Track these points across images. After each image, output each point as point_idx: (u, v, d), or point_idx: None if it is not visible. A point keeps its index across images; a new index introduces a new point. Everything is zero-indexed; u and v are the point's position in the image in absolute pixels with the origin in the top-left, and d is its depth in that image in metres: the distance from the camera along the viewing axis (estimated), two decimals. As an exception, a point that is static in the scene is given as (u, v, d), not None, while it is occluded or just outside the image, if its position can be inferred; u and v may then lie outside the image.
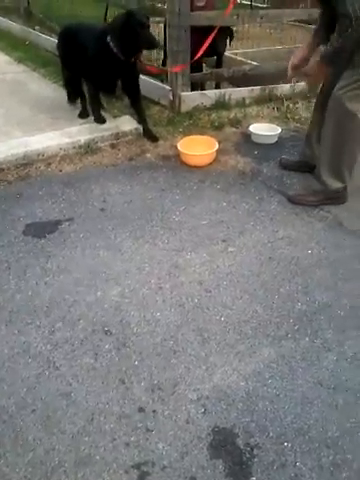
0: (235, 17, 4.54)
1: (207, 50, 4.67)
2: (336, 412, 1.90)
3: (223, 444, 1.78)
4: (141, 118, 4.14)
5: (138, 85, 3.98)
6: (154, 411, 1.89)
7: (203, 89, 4.98)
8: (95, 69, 3.79)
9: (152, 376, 2.03)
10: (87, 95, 4.22)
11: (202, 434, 1.81)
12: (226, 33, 4.96)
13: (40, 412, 1.88)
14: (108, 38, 3.58)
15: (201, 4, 4.76)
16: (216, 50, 4.95)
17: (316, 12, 5.06)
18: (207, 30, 4.23)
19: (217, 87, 5.33)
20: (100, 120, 4.15)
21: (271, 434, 1.81)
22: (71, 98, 4.49)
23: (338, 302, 2.45)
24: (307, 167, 3.56)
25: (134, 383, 2.01)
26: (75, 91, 4.37)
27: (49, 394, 1.95)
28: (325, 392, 1.98)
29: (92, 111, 4.21)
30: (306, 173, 3.58)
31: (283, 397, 1.96)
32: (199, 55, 4.25)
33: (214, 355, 2.14)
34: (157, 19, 5.87)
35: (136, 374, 2.04)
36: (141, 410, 1.90)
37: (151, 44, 3.64)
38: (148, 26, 3.58)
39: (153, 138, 4.09)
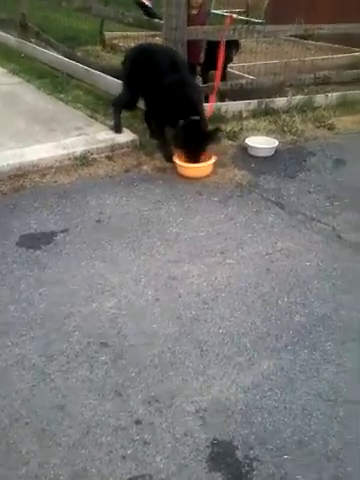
0: (231, 32, 4.57)
1: (211, 62, 4.75)
2: (336, 424, 1.87)
3: (222, 457, 1.74)
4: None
5: None
6: (151, 423, 1.85)
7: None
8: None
9: (149, 388, 2.00)
10: (154, 128, 4.17)
11: (201, 447, 1.77)
12: (232, 46, 5.00)
13: (34, 425, 1.84)
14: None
15: (195, 12, 4.79)
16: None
17: (311, 28, 5.20)
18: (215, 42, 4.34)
19: (206, 100, 5.35)
20: (169, 158, 3.94)
21: (271, 446, 1.78)
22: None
23: (337, 314, 2.43)
24: None
25: (131, 395, 1.97)
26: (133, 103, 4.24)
27: (44, 407, 1.91)
28: (325, 404, 1.95)
29: (161, 149, 4.04)
30: (303, 185, 3.59)
31: (282, 409, 1.92)
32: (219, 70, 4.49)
33: (212, 367, 2.10)
34: (152, 33, 5.94)
35: (133, 386, 2.01)
36: (138, 422, 1.86)
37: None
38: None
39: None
